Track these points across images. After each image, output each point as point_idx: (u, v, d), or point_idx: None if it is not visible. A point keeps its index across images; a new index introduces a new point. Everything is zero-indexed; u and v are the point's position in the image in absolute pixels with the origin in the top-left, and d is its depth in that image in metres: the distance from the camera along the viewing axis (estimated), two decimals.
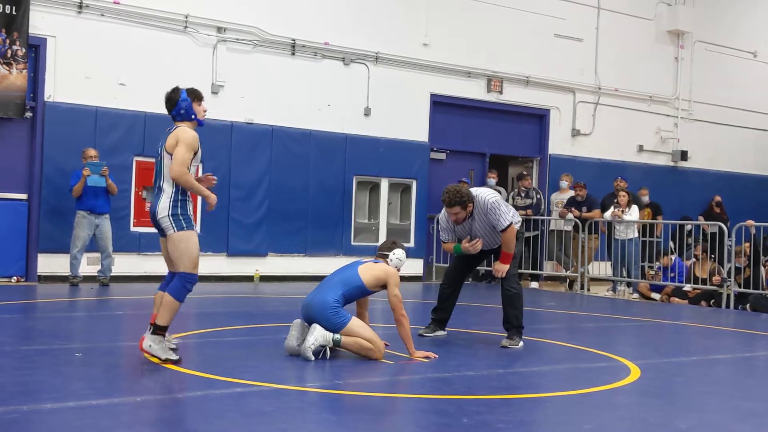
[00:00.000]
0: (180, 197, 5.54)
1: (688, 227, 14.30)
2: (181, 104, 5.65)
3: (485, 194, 6.97)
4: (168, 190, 5.56)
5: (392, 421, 4.40)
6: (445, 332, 7.47)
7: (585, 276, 13.18)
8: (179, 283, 5.54)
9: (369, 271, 6.12)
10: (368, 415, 4.57)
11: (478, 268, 14.07)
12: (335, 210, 13.30)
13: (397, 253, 6.38)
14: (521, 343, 6.93)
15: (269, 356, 5.89)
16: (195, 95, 5.72)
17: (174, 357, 5.49)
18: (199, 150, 5.64)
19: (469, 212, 6.91)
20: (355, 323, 5.88)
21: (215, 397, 4.68)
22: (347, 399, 4.82)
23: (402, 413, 4.63)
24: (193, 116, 5.69)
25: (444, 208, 7.00)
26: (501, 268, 7.02)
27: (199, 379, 5.11)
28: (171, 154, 5.52)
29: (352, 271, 6.12)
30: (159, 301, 5.73)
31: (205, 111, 5.75)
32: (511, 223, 6.90)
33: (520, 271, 13.70)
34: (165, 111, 11.68)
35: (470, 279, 14.19)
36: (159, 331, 5.53)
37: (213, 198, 5.66)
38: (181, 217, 5.52)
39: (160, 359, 5.47)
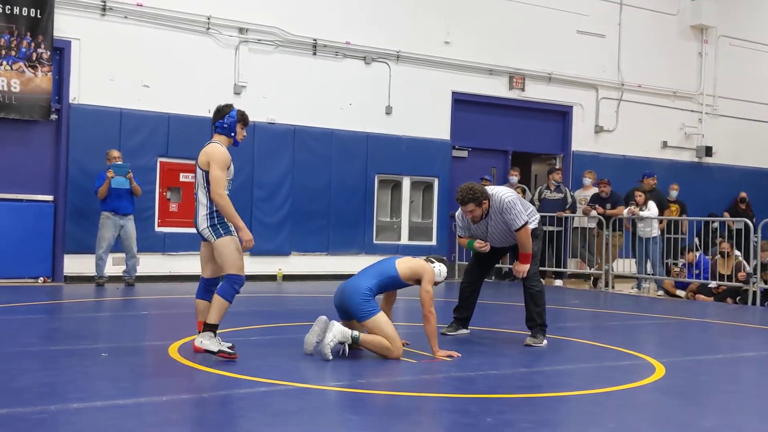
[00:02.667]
0: (214, 209, 5.78)
1: (714, 224, 14.18)
2: (228, 119, 5.92)
3: (502, 193, 6.93)
4: (204, 201, 5.80)
5: (415, 421, 4.41)
6: (468, 330, 7.50)
7: (609, 273, 13.11)
8: (227, 284, 5.74)
9: (406, 263, 6.21)
10: (391, 415, 4.58)
11: (500, 266, 14.07)
12: (357, 209, 13.32)
13: (439, 267, 6.39)
14: (545, 342, 6.92)
15: (293, 355, 5.92)
16: (243, 118, 5.99)
17: (229, 350, 5.61)
18: (231, 166, 5.86)
19: (485, 210, 6.87)
20: (381, 317, 5.91)
21: (240, 397, 4.71)
22: (370, 398, 4.84)
23: (425, 413, 4.64)
24: (232, 134, 5.95)
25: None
26: (521, 269, 6.99)
27: (223, 379, 5.15)
28: (202, 170, 5.77)
29: (389, 262, 6.23)
30: (201, 308, 5.92)
31: (244, 136, 6.02)
32: (525, 223, 6.83)
33: (542, 268, 13.70)
34: (188, 112, 11.77)
35: (493, 277, 14.17)
36: (209, 329, 5.66)
37: (247, 234, 5.80)
38: (219, 226, 5.77)
39: (213, 352, 5.58)
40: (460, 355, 6.12)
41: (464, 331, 7.47)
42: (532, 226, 6.99)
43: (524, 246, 6.91)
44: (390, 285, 6.16)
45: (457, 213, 7.26)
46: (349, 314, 6.01)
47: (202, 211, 5.79)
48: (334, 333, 5.77)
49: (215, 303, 5.71)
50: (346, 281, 6.16)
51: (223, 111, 5.95)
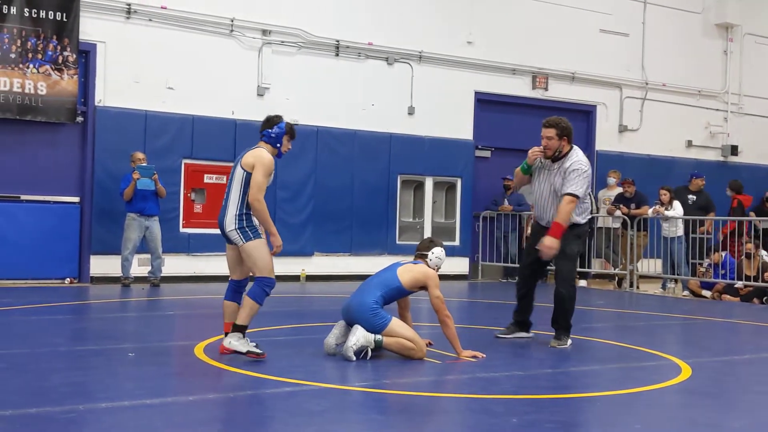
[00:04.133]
0: (245, 211, 5.83)
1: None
2: (276, 129, 6.02)
3: (581, 157, 6.80)
4: (235, 202, 5.84)
5: (440, 421, 4.42)
6: (530, 334, 7.24)
7: (634, 274, 13.03)
8: (258, 286, 5.75)
9: (408, 272, 6.10)
10: (416, 415, 4.59)
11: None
12: (380, 209, 13.33)
13: (436, 252, 6.28)
14: (569, 342, 6.89)
15: (317, 356, 5.94)
16: (291, 131, 6.11)
17: (257, 350, 5.63)
18: (272, 175, 6.01)
19: (562, 149, 6.73)
20: (395, 324, 5.90)
21: (265, 397, 4.74)
22: (395, 399, 4.85)
23: (450, 413, 4.64)
24: (278, 145, 6.03)
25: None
26: (547, 242, 6.56)
27: (249, 378, 5.18)
28: (245, 170, 5.81)
29: (391, 272, 6.11)
30: (230, 310, 5.94)
31: (289, 149, 6.12)
32: (575, 195, 6.60)
33: None
34: (212, 114, 11.84)
35: (517, 278, 14.12)
36: (238, 330, 5.68)
37: (278, 240, 5.90)
38: (247, 229, 5.82)
39: (242, 353, 5.60)
40: (484, 355, 6.10)
41: (523, 334, 7.22)
42: (581, 220, 6.85)
43: (561, 215, 6.59)
44: (396, 296, 6.07)
45: (530, 150, 6.99)
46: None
47: (232, 211, 5.81)
48: (358, 337, 5.77)
49: (245, 305, 5.74)
50: (351, 297, 6.08)
51: (272, 121, 6.02)
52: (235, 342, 5.65)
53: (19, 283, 10.87)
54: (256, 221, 5.89)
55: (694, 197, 13.52)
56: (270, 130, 6.00)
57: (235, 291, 5.99)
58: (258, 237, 5.80)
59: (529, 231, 13.99)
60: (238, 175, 5.83)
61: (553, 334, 6.96)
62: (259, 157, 5.83)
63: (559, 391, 5.13)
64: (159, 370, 5.54)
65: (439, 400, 4.88)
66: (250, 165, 5.81)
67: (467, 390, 5.18)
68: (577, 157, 6.76)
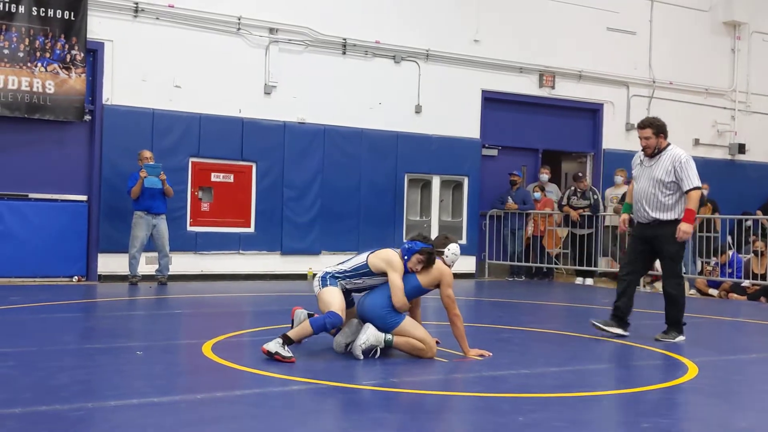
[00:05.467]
0: (338, 277, 6.07)
1: (747, 222, 14.02)
2: (410, 245, 6.02)
3: (681, 150, 7.20)
4: (342, 267, 6.15)
5: (447, 419, 4.43)
6: (627, 333, 7.37)
7: None
8: (322, 317, 5.82)
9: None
10: (424, 413, 4.60)
11: (531, 264, 14.04)
12: (387, 208, 13.35)
13: (452, 248, 6.27)
14: (679, 338, 7.17)
15: (324, 354, 5.96)
16: (425, 257, 5.96)
17: (287, 353, 5.62)
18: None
19: (660, 145, 7.15)
20: (407, 323, 5.91)
21: (273, 395, 4.76)
22: (402, 397, 4.86)
23: (457, 411, 4.65)
24: (405, 258, 5.99)
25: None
26: (683, 228, 7.02)
27: (256, 377, 5.20)
28: (367, 262, 6.02)
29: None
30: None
31: (414, 270, 5.98)
32: (697, 187, 7.03)
33: (574, 267, 13.61)
34: (219, 112, 11.84)
35: (523, 276, 14.13)
36: (285, 339, 5.70)
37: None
38: (327, 280, 6.05)
39: (271, 353, 5.60)
40: (491, 354, 6.11)
41: (619, 331, 7.34)
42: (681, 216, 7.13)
43: (692, 202, 7.03)
44: (412, 294, 6.05)
45: (634, 158, 7.50)
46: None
47: (331, 270, 6.14)
48: (368, 335, 5.78)
49: (303, 324, 5.84)
50: (364, 296, 6.07)
51: (416, 238, 6.07)
52: (272, 344, 5.65)
53: (28, 281, 10.92)
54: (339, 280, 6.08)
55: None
56: (408, 248, 6.01)
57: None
58: (335, 285, 6.00)
59: (530, 231, 14.08)
60: (359, 259, 6.11)
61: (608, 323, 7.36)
62: (390, 261, 5.97)
63: (565, 389, 5.14)
64: (167, 368, 5.57)
65: (446, 399, 4.89)
66: (379, 268, 5.98)
67: (474, 388, 5.19)
68: (677, 151, 7.17)
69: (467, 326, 6.23)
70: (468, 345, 6.10)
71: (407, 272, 5.96)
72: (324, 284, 6.00)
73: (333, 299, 5.88)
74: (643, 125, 7.19)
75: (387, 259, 5.95)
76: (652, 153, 7.20)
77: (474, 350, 6.10)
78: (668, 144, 7.23)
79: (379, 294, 5.96)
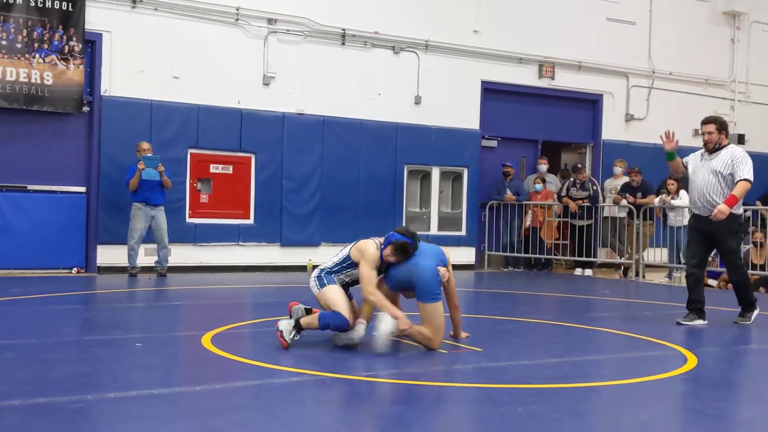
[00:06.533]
0: (333, 272, 6.00)
1: (747, 213, 14.00)
2: (388, 237, 5.96)
3: (741, 148, 7.75)
4: (333, 262, 6.07)
5: (447, 410, 4.43)
6: (705, 321, 7.83)
7: (640, 263, 13.02)
8: (331, 313, 5.80)
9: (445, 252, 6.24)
10: (423, 405, 4.61)
11: (529, 255, 14.04)
12: (387, 199, 13.34)
13: None
14: (755, 312, 7.89)
15: (324, 346, 5.96)
16: (396, 248, 5.87)
17: (286, 338, 5.68)
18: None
19: (722, 141, 7.66)
20: (440, 306, 5.89)
21: (273, 387, 4.76)
22: (402, 388, 4.86)
23: (457, 402, 4.65)
24: (382, 248, 5.93)
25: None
26: (721, 207, 7.43)
27: (256, 369, 5.20)
28: (350, 255, 5.99)
29: (438, 249, 6.13)
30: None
31: (388, 261, 5.92)
32: (749, 180, 7.48)
33: (573, 258, 13.60)
34: (218, 103, 11.81)
35: (521, 267, 14.14)
36: (296, 324, 5.78)
37: (397, 315, 5.77)
38: (324, 279, 5.97)
39: (279, 328, 5.70)
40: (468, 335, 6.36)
41: (700, 321, 7.82)
42: (738, 210, 7.65)
43: (739, 191, 7.48)
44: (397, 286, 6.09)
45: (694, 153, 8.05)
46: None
47: (323, 267, 6.06)
48: (386, 324, 5.68)
49: (313, 316, 5.85)
50: (416, 258, 5.89)
51: (399, 230, 6.02)
52: (284, 323, 5.75)
53: (27, 272, 10.91)
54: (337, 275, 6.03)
55: None
56: (393, 234, 5.96)
57: None
58: (333, 283, 5.94)
59: (528, 222, 14.08)
60: (345, 252, 6.06)
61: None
62: (364, 251, 5.90)
63: (565, 380, 5.14)
64: (166, 360, 5.57)
65: (446, 390, 4.89)
66: (355, 257, 5.95)
67: (474, 379, 5.19)
68: (735, 148, 7.72)
69: (466, 317, 6.24)
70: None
71: (381, 259, 5.93)
72: (322, 284, 5.96)
73: (337, 300, 5.84)
74: (707, 121, 7.73)
75: (361, 248, 5.94)
76: (713, 148, 7.70)
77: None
78: (728, 142, 7.78)
79: (432, 261, 5.90)
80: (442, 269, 5.93)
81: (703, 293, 7.94)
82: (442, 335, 5.91)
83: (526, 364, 5.63)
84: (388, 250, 5.90)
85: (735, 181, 7.53)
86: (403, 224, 13.36)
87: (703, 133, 7.78)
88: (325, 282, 5.96)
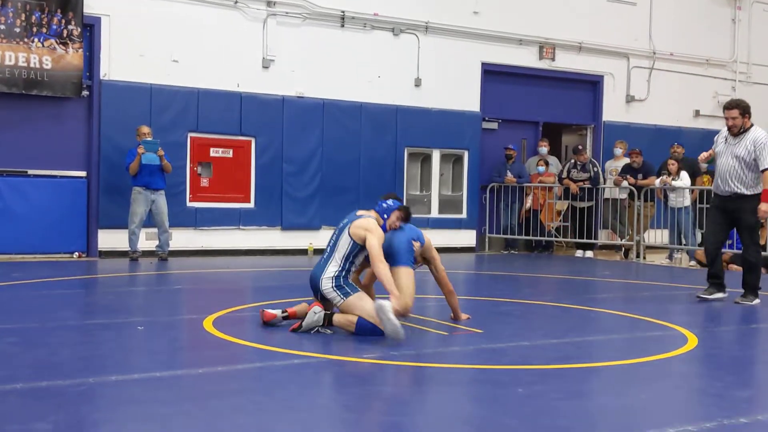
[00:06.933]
0: (346, 274, 5.83)
1: None
2: (389, 206, 6.01)
3: (763, 132, 7.83)
4: (338, 262, 5.82)
5: (447, 392, 4.44)
6: (726, 294, 8.12)
7: (640, 244, 13.03)
8: (371, 326, 5.59)
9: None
10: (423, 386, 4.63)
11: (529, 237, 14.05)
12: (387, 182, 13.31)
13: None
14: (755, 301, 7.88)
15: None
16: (404, 213, 6.05)
17: (303, 325, 5.66)
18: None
19: (745, 125, 7.82)
20: (410, 272, 6.02)
21: (275, 369, 4.78)
22: (403, 370, 4.87)
23: (457, 384, 4.67)
24: (385, 216, 6.00)
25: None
26: (764, 208, 7.67)
27: (258, 351, 5.22)
28: (352, 238, 5.79)
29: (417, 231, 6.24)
30: (300, 309, 5.98)
31: (393, 227, 5.99)
32: None
33: (574, 240, 13.63)
34: (218, 87, 11.76)
35: (516, 250, 14.12)
36: (328, 317, 5.68)
37: (396, 293, 5.68)
38: (345, 287, 5.78)
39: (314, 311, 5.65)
40: (468, 317, 6.42)
41: (720, 294, 8.08)
42: (758, 191, 7.73)
43: (765, 182, 7.65)
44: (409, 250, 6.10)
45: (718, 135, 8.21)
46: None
47: (331, 271, 5.78)
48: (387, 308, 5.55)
49: (350, 319, 5.65)
50: (393, 231, 6.03)
51: (389, 196, 6.12)
52: (317, 310, 5.67)
53: (28, 257, 10.93)
54: (351, 278, 5.94)
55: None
56: (383, 202, 6.05)
57: None
58: (356, 291, 5.78)
59: (528, 204, 14.07)
60: (345, 239, 5.84)
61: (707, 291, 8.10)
62: (371, 228, 5.79)
63: (565, 361, 5.16)
64: (168, 343, 5.59)
65: (446, 371, 4.91)
66: (359, 236, 5.78)
67: (474, 361, 5.21)
68: (759, 132, 7.82)
69: (466, 299, 6.25)
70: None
71: (384, 228, 5.95)
72: (346, 293, 5.72)
73: (365, 309, 5.65)
74: (730, 106, 7.89)
75: (363, 226, 5.83)
76: (738, 132, 7.87)
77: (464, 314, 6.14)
78: (752, 125, 7.90)
79: (408, 233, 6.06)
80: (416, 243, 6.04)
81: (721, 267, 8.20)
82: (409, 298, 5.81)
83: (526, 345, 5.65)
84: (394, 217, 5.97)
85: (761, 170, 7.71)
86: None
87: (726, 118, 7.96)
88: (349, 291, 5.74)
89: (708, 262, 8.28)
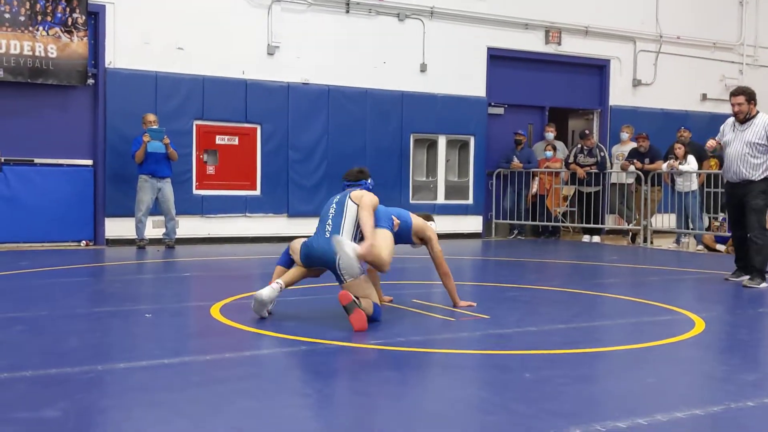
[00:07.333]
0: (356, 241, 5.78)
1: None
2: (367, 185, 6.16)
3: None
4: (350, 232, 5.76)
5: (454, 377, 4.45)
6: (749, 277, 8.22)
7: (648, 229, 13.00)
8: (378, 310, 5.65)
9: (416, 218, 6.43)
10: (430, 371, 4.63)
11: (537, 223, 14.04)
12: (393, 169, 13.32)
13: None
14: (763, 284, 7.93)
15: (331, 315, 5.98)
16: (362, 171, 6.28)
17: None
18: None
19: (750, 112, 7.98)
20: (388, 233, 6.04)
21: (282, 355, 4.79)
22: (410, 356, 4.88)
23: (464, 369, 4.67)
24: (370, 186, 6.16)
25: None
26: None
27: (265, 338, 5.23)
28: (357, 204, 5.83)
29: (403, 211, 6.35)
30: (279, 273, 5.97)
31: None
32: None
33: (581, 225, 13.61)
34: (223, 74, 11.74)
35: (523, 235, 14.11)
36: (354, 302, 5.45)
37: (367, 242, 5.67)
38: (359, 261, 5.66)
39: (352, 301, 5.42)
40: (475, 304, 6.40)
41: (746, 277, 8.19)
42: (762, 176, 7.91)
43: None
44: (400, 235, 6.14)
45: (724, 124, 8.38)
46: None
47: (348, 239, 5.71)
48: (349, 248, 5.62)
49: (367, 304, 5.56)
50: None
51: (365, 173, 6.20)
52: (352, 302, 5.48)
53: (36, 246, 10.97)
54: None
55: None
56: (367, 182, 6.16)
57: (291, 260, 5.98)
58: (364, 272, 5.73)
59: (534, 189, 14.05)
60: (351, 207, 5.81)
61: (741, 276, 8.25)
62: (367, 194, 5.90)
63: (572, 346, 5.15)
64: (176, 330, 5.61)
65: (453, 357, 4.91)
66: (359, 197, 5.86)
67: (481, 346, 5.21)
68: (765, 118, 7.96)
69: (473, 285, 6.25)
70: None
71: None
72: (363, 269, 5.69)
73: (372, 287, 5.74)
74: (736, 93, 8.06)
75: (362, 193, 5.92)
76: (744, 119, 8.02)
77: (464, 302, 6.18)
78: (758, 111, 8.05)
79: (393, 209, 6.20)
80: (396, 219, 6.10)
81: (746, 253, 8.26)
82: (384, 253, 5.72)
83: (533, 330, 5.65)
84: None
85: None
86: (410, 194, 13.39)
87: (732, 105, 8.08)
88: (362, 269, 5.69)
89: (735, 248, 8.54)
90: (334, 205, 5.96)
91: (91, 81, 11.32)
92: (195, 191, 11.95)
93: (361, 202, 5.82)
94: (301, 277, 5.96)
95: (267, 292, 5.69)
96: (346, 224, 5.80)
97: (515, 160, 14.00)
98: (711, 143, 8.41)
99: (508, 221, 14.25)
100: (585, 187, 13.60)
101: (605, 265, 10.37)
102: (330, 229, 5.82)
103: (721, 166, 13.81)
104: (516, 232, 14.26)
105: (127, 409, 3.68)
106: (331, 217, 5.90)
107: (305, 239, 5.98)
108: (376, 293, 5.77)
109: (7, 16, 10.63)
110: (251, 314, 5.81)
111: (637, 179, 13.29)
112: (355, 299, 5.39)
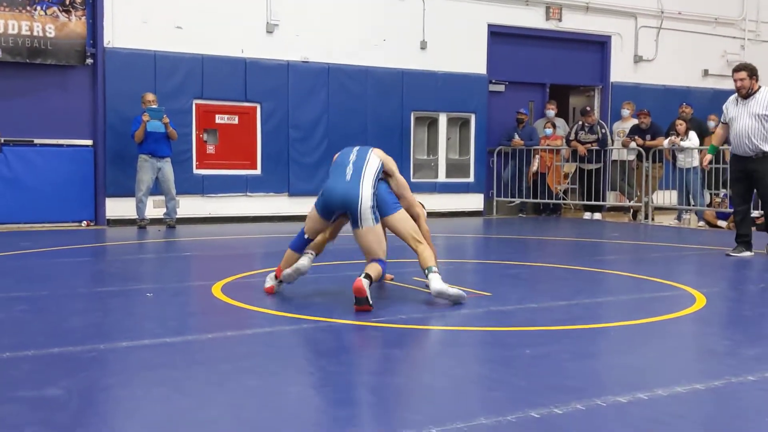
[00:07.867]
0: (374, 194, 5.74)
1: None
2: None
3: None
4: (371, 183, 5.72)
5: (456, 354, 4.46)
6: (752, 253, 8.41)
7: (649, 205, 12.99)
8: (384, 265, 5.65)
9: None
10: (432, 348, 4.65)
11: (538, 201, 14.03)
12: (394, 147, 13.25)
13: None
14: (746, 253, 8.25)
15: (333, 293, 5.99)
16: None
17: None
18: None
19: (753, 86, 8.15)
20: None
21: (284, 334, 4.80)
22: (411, 333, 4.89)
23: (465, 345, 4.69)
24: None
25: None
26: None
27: (267, 316, 5.24)
28: (380, 159, 5.93)
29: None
30: (288, 257, 5.92)
31: None
32: None
33: (584, 202, 13.60)
34: (222, 53, 11.70)
35: (524, 213, 14.11)
36: (368, 277, 5.42)
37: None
38: (375, 210, 5.70)
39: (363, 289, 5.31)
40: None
41: (748, 253, 8.36)
42: None
43: None
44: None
45: (727, 102, 8.55)
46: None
47: (369, 193, 5.65)
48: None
49: (376, 268, 5.53)
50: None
51: None
52: (367, 280, 5.38)
53: (37, 226, 10.98)
54: None
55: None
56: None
57: (304, 245, 5.93)
58: (378, 221, 5.72)
59: (535, 167, 14.02)
60: (375, 160, 5.87)
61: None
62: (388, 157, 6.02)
63: (573, 322, 5.16)
64: (178, 309, 5.62)
65: (454, 334, 4.92)
66: (384, 159, 5.96)
67: (482, 323, 5.22)
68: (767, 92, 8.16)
69: (475, 263, 6.25)
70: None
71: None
72: (376, 218, 5.68)
73: (382, 242, 5.72)
74: (738, 69, 8.25)
75: (382, 153, 6.04)
76: (746, 94, 8.18)
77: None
78: (760, 86, 8.23)
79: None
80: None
81: (749, 228, 8.52)
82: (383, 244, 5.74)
83: (534, 307, 5.65)
84: None
85: None
86: (411, 172, 13.36)
87: (735, 80, 8.26)
88: (377, 216, 5.70)
89: (736, 223, 8.63)
90: (355, 152, 5.93)
91: (90, 61, 11.27)
92: (195, 171, 11.94)
93: (396, 177, 6.03)
94: (323, 245, 6.08)
95: (305, 261, 5.83)
96: (367, 172, 5.76)
97: (516, 138, 13.97)
98: (706, 160, 8.85)
99: (510, 199, 14.23)
100: (586, 164, 13.58)
101: (606, 242, 10.37)
102: (351, 173, 5.75)
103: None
104: (521, 211, 14.25)
105: (129, 387, 3.69)
106: (352, 162, 5.84)
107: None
108: (385, 246, 5.73)
109: None
110: (253, 293, 5.82)
111: (638, 156, 13.27)
112: (368, 292, 5.27)
